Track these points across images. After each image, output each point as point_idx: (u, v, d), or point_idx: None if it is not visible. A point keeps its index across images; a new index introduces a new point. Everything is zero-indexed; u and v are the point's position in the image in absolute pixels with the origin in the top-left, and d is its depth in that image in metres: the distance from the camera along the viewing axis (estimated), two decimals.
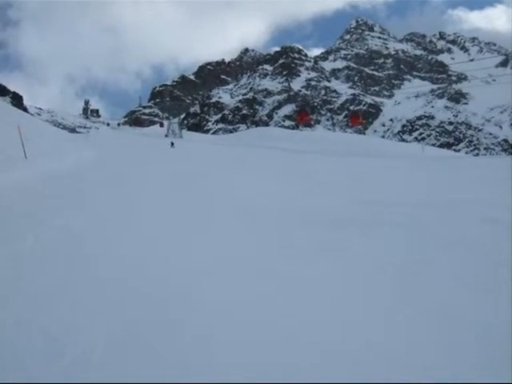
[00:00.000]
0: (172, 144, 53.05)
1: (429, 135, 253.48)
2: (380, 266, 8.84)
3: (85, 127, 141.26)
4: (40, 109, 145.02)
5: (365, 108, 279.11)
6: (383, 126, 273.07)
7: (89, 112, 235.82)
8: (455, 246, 10.12)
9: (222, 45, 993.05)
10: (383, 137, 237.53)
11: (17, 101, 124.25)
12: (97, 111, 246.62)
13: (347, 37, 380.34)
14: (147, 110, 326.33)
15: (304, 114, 31.56)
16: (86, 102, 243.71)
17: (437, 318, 6.43)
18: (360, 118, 37.11)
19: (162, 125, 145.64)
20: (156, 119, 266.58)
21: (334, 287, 7.77)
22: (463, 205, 14.54)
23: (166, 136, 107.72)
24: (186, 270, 8.53)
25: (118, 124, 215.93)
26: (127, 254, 9.44)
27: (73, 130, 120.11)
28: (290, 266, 8.79)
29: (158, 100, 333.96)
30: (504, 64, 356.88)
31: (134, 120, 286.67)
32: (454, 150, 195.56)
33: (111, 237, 10.89)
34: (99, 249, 9.94)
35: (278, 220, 13.00)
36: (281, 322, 6.29)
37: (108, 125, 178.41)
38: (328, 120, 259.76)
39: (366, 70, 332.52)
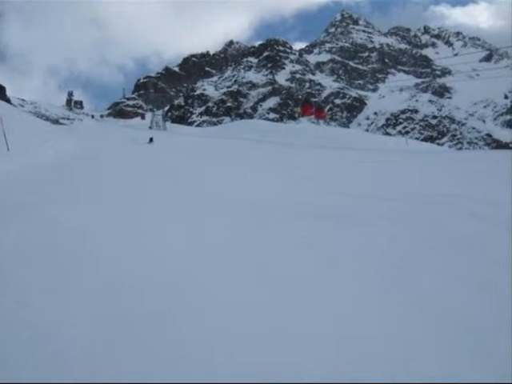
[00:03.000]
0: (151, 140, 45.74)
1: (413, 129, 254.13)
2: (364, 260, 9.07)
3: (68, 118, 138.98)
4: (23, 100, 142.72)
5: (349, 101, 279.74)
6: (367, 119, 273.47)
7: (72, 103, 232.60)
8: (440, 241, 10.33)
9: (207, 38, 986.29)
10: (367, 130, 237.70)
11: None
12: (80, 103, 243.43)
13: (332, 30, 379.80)
14: (131, 102, 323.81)
15: (308, 106, 30.44)
16: (70, 94, 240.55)
17: (420, 311, 6.66)
18: (313, 108, 35.29)
19: (143, 117, 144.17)
20: (140, 111, 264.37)
21: (319, 281, 7.96)
22: (450, 199, 14.55)
23: (150, 128, 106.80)
24: (170, 266, 8.58)
25: (101, 116, 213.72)
26: (112, 249, 9.50)
27: (56, 122, 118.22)
28: (272, 259, 9.01)
29: (141, 92, 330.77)
30: (488, 59, 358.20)
31: (118, 112, 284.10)
32: (438, 144, 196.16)
33: (98, 230, 10.97)
34: (84, 242, 10.04)
35: (264, 214, 13.08)
36: (271, 315, 6.49)
37: (92, 117, 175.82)
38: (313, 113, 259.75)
39: (351, 63, 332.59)
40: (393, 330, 6.22)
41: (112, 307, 6.65)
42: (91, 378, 4.89)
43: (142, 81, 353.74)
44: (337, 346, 5.75)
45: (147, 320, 6.31)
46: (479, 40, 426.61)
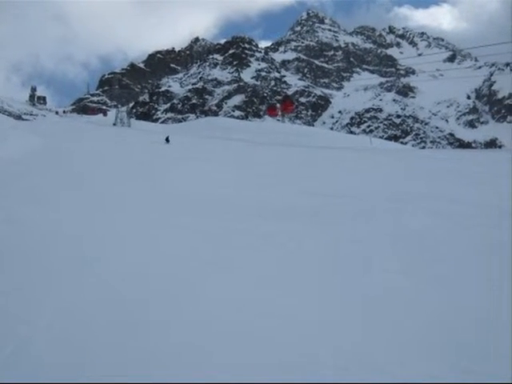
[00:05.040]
0: (167, 140, 43.38)
1: (377, 128, 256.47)
2: (322, 257, 9.35)
3: (31, 114, 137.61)
4: None
5: (314, 100, 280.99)
6: (332, 117, 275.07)
7: (35, 99, 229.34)
8: (399, 238, 10.71)
9: (172, 35, 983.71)
10: (332, 128, 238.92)
11: None
12: (44, 98, 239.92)
13: (298, 28, 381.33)
14: (95, 98, 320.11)
15: (289, 103, 30.12)
16: (33, 89, 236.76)
17: (381, 310, 6.88)
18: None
19: (105, 113, 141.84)
20: (104, 107, 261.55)
21: (277, 279, 8.15)
22: (411, 197, 14.77)
23: (114, 124, 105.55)
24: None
25: (64, 111, 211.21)
26: (75, 246, 9.50)
27: (19, 117, 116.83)
28: (230, 256, 9.27)
29: (106, 88, 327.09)
30: (451, 59, 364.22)
31: (82, 108, 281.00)
32: (401, 143, 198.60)
33: (61, 228, 10.83)
34: (42, 239, 9.91)
35: (224, 211, 13.44)
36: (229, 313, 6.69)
37: (57, 113, 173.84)
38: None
39: (316, 61, 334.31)
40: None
41: (67, 303, 6.78)
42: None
43: (106, 77, 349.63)
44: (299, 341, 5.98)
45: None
46: (443, 40, 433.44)
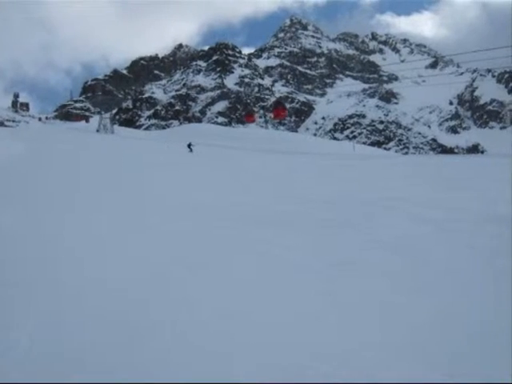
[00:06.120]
0: (190, 147, 41.89)
1: (360, 133, 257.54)
2: (304, 263, 9.33)
3: (14, 121, 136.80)
4: None
5: (297, 106, 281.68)
6: (315, 123, 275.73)
7: (18, 105, 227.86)
8: (380, 244, 10.70)
9: (155, 42, 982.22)
10: (315, 134, 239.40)
11: None
12: (26, 105, 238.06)
13: (281, 35, 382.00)
14: (78, 105, 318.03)
15: (281, 109, 29.65)
16: (16, 96, 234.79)
17: (364, 316, 6.84)
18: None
19: (87, 120, 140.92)
20: (87, 114, 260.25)
21: (265, 283, 8.22)
22: (392, 202, 14.79)
23: (98, 131, 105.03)
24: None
25: (47, 117, 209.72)
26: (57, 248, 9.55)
27: (1, 124, 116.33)
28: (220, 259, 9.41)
29: (89, 94, 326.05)
30: (434, 66, 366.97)
31: (65, 114, 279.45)
32: (385, 149, 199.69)
33: (45, 233, 10.75)
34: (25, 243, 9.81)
35: (204, 218, 13.47)
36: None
37: (40, 119, 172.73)
38: (261, 117, 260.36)
39: (300, 68, 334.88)
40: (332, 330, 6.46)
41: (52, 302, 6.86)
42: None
43: (89, 83, 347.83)
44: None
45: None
46: (425, 47, 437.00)
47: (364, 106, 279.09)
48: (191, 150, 41.28)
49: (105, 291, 7.39)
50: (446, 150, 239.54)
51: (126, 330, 6.05)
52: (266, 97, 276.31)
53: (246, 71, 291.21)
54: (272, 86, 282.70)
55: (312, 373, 5.20)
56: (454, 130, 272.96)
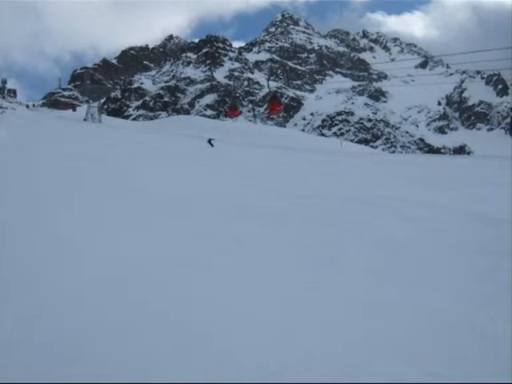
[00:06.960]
0: (210, 142, 41.62)
1: (348, 131, 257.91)
2: (291, 258, 9.27)
3: (0, 107, 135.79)
4: None
5: (286, 101, 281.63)
6: (304, 119, 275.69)
7: (5, 92, 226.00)
8: (365, 241, 10.64)
9: (146, 33, 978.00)
10: (303, 130, 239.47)
11: None
12: (14, 91, 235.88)
13: (272, 30, 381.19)
14: (67, 93, 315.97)
15: (276, 104, 29.04)
16: (3, 82, 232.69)
17: (350, 310, 6.87)
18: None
19: (74, 109, 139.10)
20: (75, 102, 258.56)
21: (249, 278, 8.15)
22: (385, 201, 14.74)
23: (85, 120, 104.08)
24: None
25: (34, 105, 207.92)
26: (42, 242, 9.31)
27: None
28: (203, 254, 9.19)
29: (78, 83, 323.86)
30: (423, 65, 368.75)
31: (53, 102, 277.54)
32: (372, 147, 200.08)
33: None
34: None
35: (195, 212, 13.33)
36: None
37: (27, 106, 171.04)
38: (249, 111, 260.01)
39: (290, 63, 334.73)
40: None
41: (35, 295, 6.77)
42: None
43: (78, 71, 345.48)
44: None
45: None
46: (415, 46, 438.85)
47: (353, 103, 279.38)
48: (212, 145, 41.15)
49: (99, 288, 7.31)
50: (433, 150, 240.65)
51: (125, 330, 5.97)
52: (256, 91, 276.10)
53: (236, 65, 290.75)
54: (268, 79, 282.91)
55: (293, 372, 5.14)
56: (441, 131, 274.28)
